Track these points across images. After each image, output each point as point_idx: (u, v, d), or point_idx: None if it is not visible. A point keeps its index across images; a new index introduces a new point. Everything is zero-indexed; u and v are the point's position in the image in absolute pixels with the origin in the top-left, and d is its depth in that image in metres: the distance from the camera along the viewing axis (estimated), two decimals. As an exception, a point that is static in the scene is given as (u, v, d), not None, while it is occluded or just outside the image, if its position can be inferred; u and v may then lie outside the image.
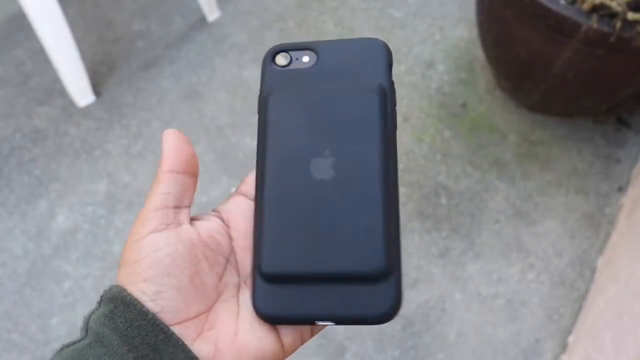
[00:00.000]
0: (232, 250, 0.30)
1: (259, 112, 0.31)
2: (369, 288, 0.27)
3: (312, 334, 0.30)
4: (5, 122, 1.22)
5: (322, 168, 0.29)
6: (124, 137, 1.20)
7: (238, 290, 0.29)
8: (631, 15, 0.89)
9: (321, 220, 0.28)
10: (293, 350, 0.29)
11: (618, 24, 0.89)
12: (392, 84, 0.31)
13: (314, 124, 0.30)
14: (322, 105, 0.30)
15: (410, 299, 1.02)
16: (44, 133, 1.20)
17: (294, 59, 0.32)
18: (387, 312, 0.27)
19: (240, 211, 0.30)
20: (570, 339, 0.98)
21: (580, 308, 1.01)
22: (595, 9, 0.91)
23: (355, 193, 0.28)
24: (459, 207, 1.12)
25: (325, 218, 0.28)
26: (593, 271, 1.05)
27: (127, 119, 1.23)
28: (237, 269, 0.30)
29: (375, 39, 0.32)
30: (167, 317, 0.26)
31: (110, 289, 0.27)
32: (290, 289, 0.27)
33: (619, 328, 0.81)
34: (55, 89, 1.26)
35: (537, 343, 0.99)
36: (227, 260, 0.29)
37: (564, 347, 0.98)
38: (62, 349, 0.25)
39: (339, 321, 0.27)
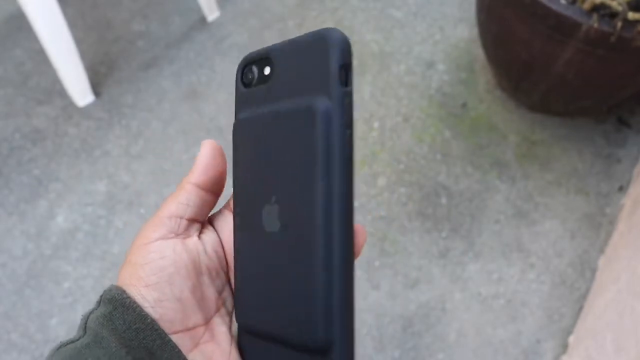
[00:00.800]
0: (227, 266, 0.30)
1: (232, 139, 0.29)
2: (315, 357, 0.24)
3: None
4: (4, 122, 1.22)
5: (270, 218, 0.25)
6: (124, 137, 1.20)
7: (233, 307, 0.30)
8: (632, 15, 0.88)
9: (271, 279, 0.26)
10: None
11: (619, 24, 0.88)
12: (343, 94, 0.23)
13: (262, 162, 0.26)
14: (269, 136, 0.26)
15: (410, 299, 1.02)
16: (44, 133, 1.20)
17: (258, 73, 0.27)
18: None
19: (228, 229, 0.30)
20: (571, 339, 0.98)
21: (580, 308, 1.01)
22: (595, 8, 0.91)
23: (297, 251, 0.24)
24: (459, 207, 1.12)
25: (274, 277, 0.25)
26: (594, 271, 1.05)
27: (127, 119, 1.23)
28: (231, 285, 0.30)
29: (323, 31, 0.24)
30: (164, 326, 0.26)
31: (110, 289, 0.26)
32: (257, 340, 0.27)
33: (619, 328, 0.81)
34: (55, 89, 1.26)
35: (537, 343, 0.98)
36: (226, 275, 0.30)
37: (564, 347, 0.98)
38: (60, 347, 0.25)
39: None
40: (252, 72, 0.27)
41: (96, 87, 1.26)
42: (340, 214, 0.23)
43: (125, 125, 1.22)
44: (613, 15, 0.90)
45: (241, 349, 0.28)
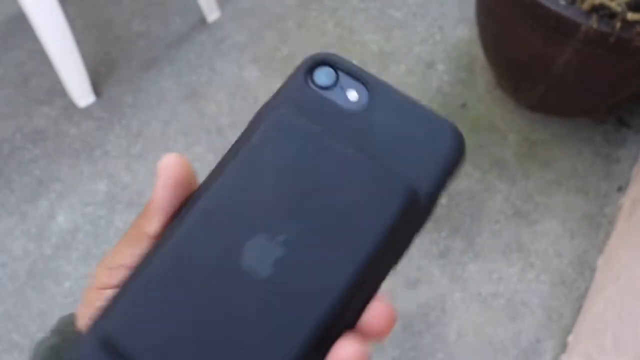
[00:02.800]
0: None
1: (249, 126, 0.22)
2: None
3: None
4: (5, 123, 1.22)
5: (259, 256, 0.19)
6: (124, 138, 1.20)
7: None
8: (631, 16, 0.89)
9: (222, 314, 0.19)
10: None
11: (618, 24, 0.89)
12: (434, 196, 0.20)
13: (289, 184, 0.20)
14: (317, 174, 0.20)
15: (410, 299, 1.02)
16: (44, 133, 1.20)
17: (338, 84, 0.22)
18: None
19: None
20: (570, 338, 0.98)
21: (580, 308, 1.02)
22: (594, 9, 0.91)
23: (291, 308, 0.18)
24: (459, 207, 1.12)
25: (230, 315, 0.19)
26: (593, 271, 1.05)
27: (127, 119, 1.23)
28: None
29: (451, 124, 0.21)
30: None
31: (63, 318, 0.25)
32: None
33: (618, 327, 0.81)
34: (56, 90, 1.26)
35: (537, 343, 0.99)
36: None
37: (564, 346, 0.98)
38: None
39: None
40: (331, 78, 0.22)
41: (96, 87, 1.26)
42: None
43: (125, 125, 1.22)
44: (612, 15, 0.90)
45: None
